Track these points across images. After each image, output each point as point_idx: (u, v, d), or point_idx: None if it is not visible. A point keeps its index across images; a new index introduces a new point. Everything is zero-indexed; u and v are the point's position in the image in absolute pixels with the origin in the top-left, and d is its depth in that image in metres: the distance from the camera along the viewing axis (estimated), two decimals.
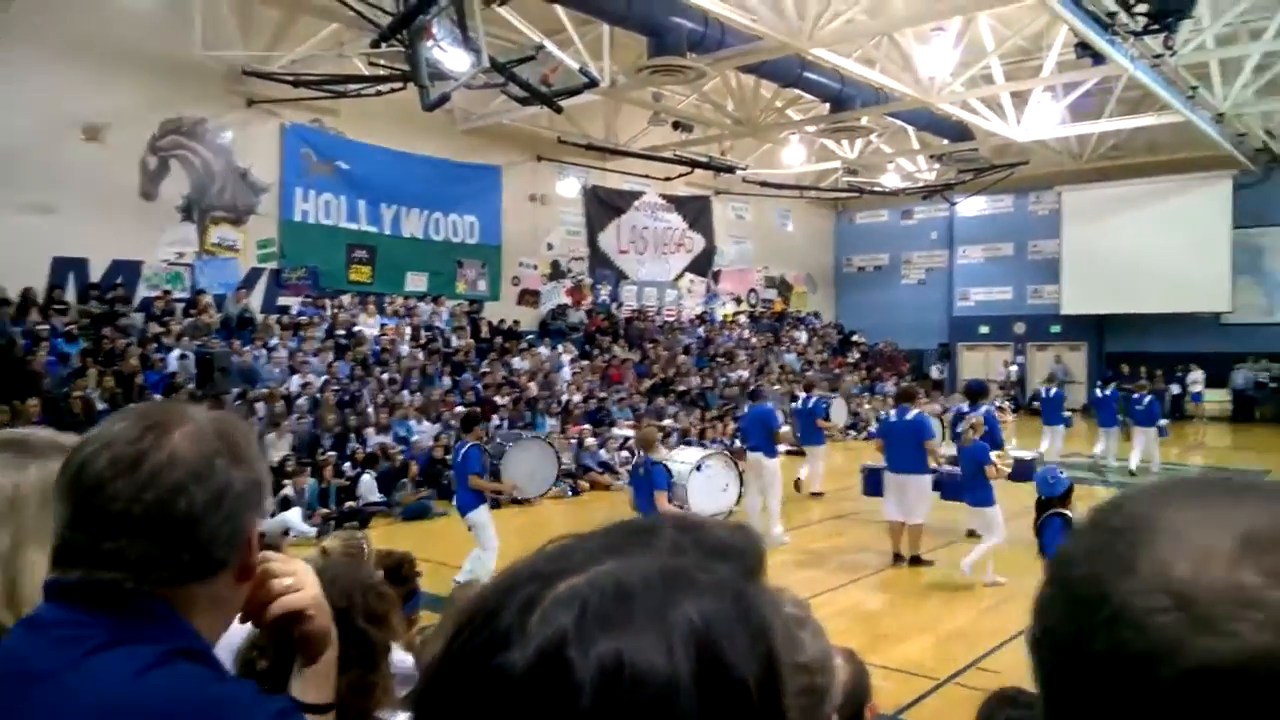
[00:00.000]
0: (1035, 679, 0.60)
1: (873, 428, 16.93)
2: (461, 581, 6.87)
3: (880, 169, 25.42)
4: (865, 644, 6.43)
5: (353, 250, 17.88)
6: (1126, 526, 0.59)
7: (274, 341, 15.05)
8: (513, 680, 0.55)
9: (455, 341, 18.07)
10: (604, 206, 23.29)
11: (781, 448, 11.77)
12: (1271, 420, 23.26)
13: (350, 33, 14.29)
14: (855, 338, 29.09)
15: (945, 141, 22.14)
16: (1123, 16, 12.47)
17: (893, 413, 10.27)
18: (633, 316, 23.33)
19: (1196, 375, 24.06)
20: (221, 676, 1.12)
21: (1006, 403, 25.05)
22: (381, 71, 14.70)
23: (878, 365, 27.21)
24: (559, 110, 15.29)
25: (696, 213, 25.81)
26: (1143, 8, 12.03)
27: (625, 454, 16.15)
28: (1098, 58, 14.66)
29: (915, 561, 9.60)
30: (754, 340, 25.32)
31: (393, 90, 14.63)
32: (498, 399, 16.15)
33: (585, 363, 19.80)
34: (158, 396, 12.22)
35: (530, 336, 20.12)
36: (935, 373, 28.13)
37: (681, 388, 20.39)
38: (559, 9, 13.94)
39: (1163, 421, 16.11)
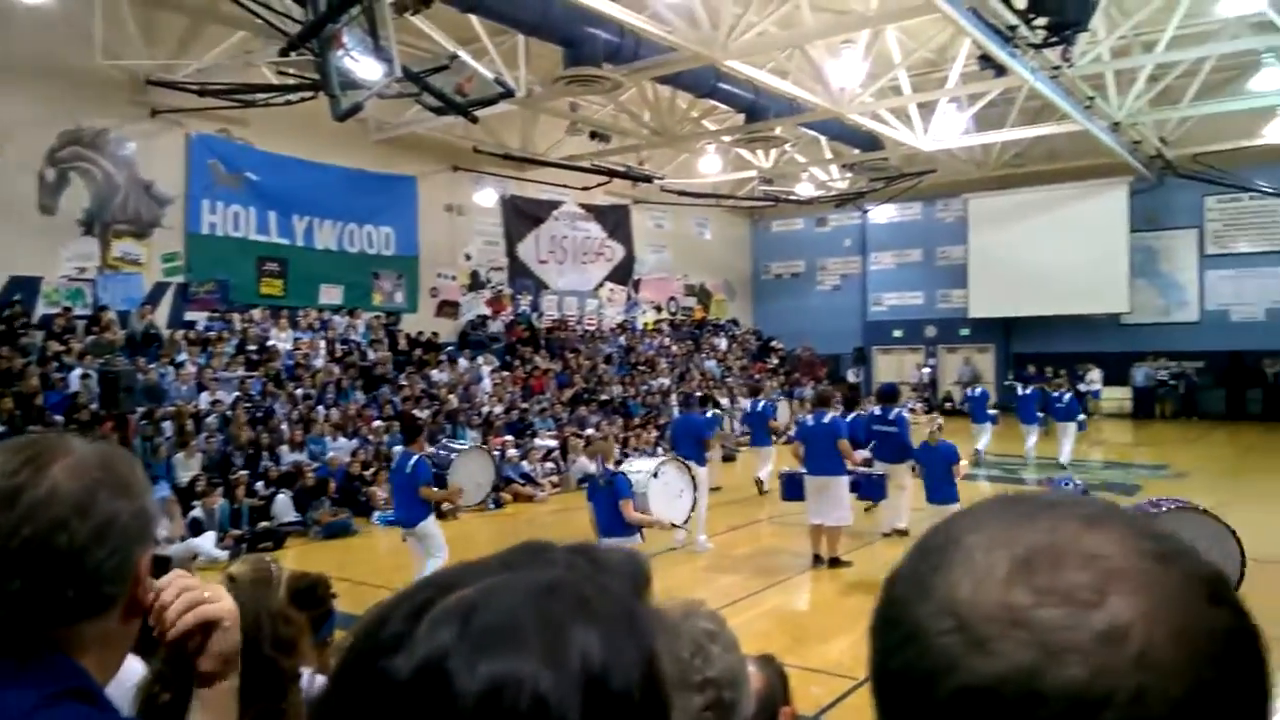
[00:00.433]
0: None
1: (792, 431, 17.46)
2: None
3: (795, 178, 25.85)
4: (786, 646, 6.52)
5: (263, 263, 17.44)
6: (936, 548, 0.60)
7: (181, 358, 14.59)
8: (396, 686, 0.55)
9: (372, 354, 17.76)
10: (522, 216, 23.18)
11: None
12: (1172, 417, 24.36)
13: (258, 41, 13.98)
14: (774, 343, 29.52)
15: (856, 151, 22.68)
16: (1023, 30, 12.92)
17: (810, 417, 10.43)
18: (553, 326, 23.27)
19: (1095, 374, 25.06)
20: (112, 718, 1.08)
21: (919, 404, 25.76)
22: (291, 80, 14.41)
23: (796, 370, 27.69)
24: (474, 120, 15.18)
25: (615, 222, 25.88)
26: (1042, 21, 12.49)
27: (550, 465, 16.10)
28: (1000, 70, 15.16)
29: (835, 563, 9.76)
30: (675, 348, 25.49)
31: (303, 100, 14.32)
32: (416, 412, 15.91)
33: (506, 373, 19.65)
34: (59, 418, 11.76)
35: (449, 348, 19.88)
36: (851, 376, 28.67)
37: (604, 397, 20.39)
38: (474, 19, 13.84)
39: (1081, 417, 17.13)
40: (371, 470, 13.78)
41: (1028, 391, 17.65)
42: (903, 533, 10.71)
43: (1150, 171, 22.89)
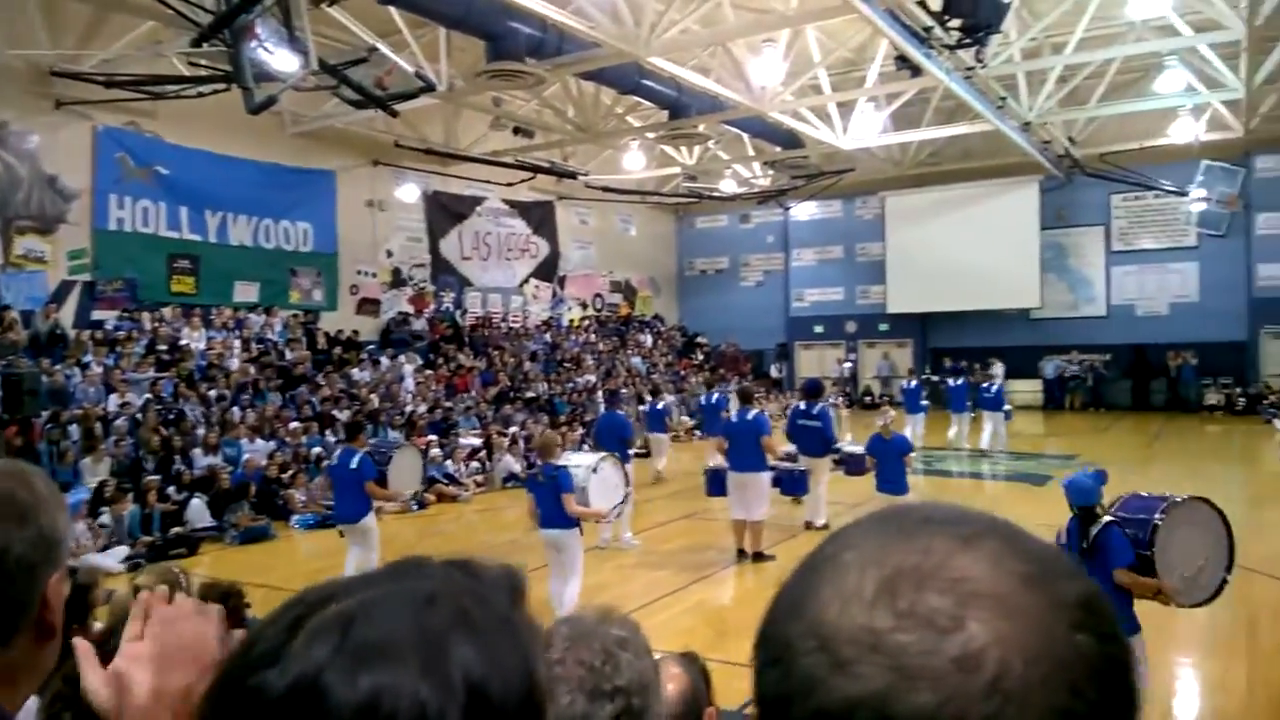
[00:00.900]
0: None
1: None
2: None
3: (718, 175, 26.05)
4: (711, 641, 6.57)
5: (174, 260, 16.89)
6: (817, 565, 0.59)
7: (88, 359, 14.06)
8: (269, 702, 0.54)
9: (290, 354, 17.35)
10: (445, 212, 22.91)
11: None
12: (1080, 408, 25.24)
13: (168, 31, 13.54)
14: (699, 339, 29.74)
15: (778, 149, 22.97)
16: (938, 31, 13.21)
17: (734, 413, 10.53)
18: (477, 324, 23.05)
19: (997, 368, 25.64)
20: None
21: (840, 398, 26.22)
22: (203, 72, 13.95)
23: (721, 366, 27.95)
24: (395, 114, 14.95)
25: (540, 218, 25.74)
26: (956, 23, 12.79)
27: (475, 464, 15.94)
28: (916, 70, 15.50)
29: (758, 557, 9.88)
30: (600, 345, 25.49)
31: (215, 92, 13.87)
32: (336, 412, 15.63)
33: (429, 372, 19.42)
34: None
35: (371, 347, 19.55)
36: (775, 372, 29.09)
37: (529, 394, 20.28)
38: (393, 11, 13.61)
39: (1007, 406, 18.09)
40: (290, 473, 13.48)
41: (959, 383, 18.54)
42: (823, 528, 10.86)
43: (1059, 170, 23.65)
